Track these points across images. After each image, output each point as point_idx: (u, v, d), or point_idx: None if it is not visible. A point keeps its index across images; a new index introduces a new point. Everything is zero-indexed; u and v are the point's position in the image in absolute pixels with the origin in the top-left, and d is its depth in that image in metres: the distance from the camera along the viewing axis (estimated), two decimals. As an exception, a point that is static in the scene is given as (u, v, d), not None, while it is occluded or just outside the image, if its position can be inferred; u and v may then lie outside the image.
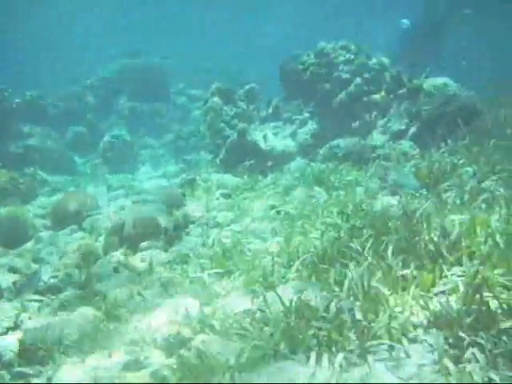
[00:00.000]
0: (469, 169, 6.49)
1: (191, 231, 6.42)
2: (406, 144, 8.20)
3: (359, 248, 4.17)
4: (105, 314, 4.12)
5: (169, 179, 11.14)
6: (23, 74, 25.15)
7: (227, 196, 7.76)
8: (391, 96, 9.26)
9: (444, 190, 5.77)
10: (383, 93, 9.45)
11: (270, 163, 9.32)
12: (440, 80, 8.28)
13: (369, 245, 4.21)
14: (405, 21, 17.28)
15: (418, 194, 6.11)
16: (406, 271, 3.68)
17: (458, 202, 5.34)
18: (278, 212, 6.46)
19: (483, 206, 5.00)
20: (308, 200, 6.85)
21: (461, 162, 6.74)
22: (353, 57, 10.71)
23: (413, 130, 8.26)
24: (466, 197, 5.30)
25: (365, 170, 7.89)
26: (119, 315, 4.11)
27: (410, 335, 3.16)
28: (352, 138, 9.01)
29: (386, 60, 10.82)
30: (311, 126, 10.20)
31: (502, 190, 5.38)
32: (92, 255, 5.58)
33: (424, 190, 6.18)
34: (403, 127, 8.51)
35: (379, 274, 3.73)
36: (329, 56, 10.71)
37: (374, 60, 10.64)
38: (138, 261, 5.41)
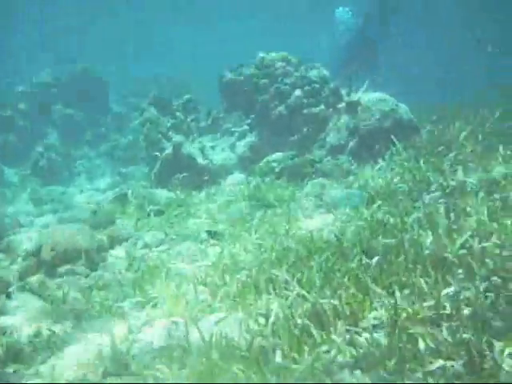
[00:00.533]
0: (403, 185, 6.42)
1: (117, 253, 6.02)
2: (344, 159, 8.09)
3: (287, 277, 3.92)
4: (5, 353, 3.69)
5: (103, 193, 10.62)
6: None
7: (160, 213, 7.40)
8: (330, 110, 9.18)
9: (377, 209, 5.63)
10: (322, 106, 9.35)
11: (206, 177, 9.02)
12: (377, 95, 8.24)
13: (298, 275, 3.97)
14: (343, 10, 17.15)
15: (353, 213, 5.98)
16: (334, 303, 3.46)
17: (391, 221, 5.20)
18: (209, 232, 6.17)
19: (415, 226, 4.88)
20: (242, 218, 6.59)
21: (395, 179, 6.67)
22: (293, 69, 10.60)
23: (351, 145, 8.17)
24: (399, 218, 5.16)
25: (302, 186, 7.74)
26: (22, 355, 3.69)
27: (336, 377, 2.93)
28: (290, 152, 8.85)
29: (326, 72, 10.77)
30: (250, 138, 9.99)
31: (434, 209, 5.29)
32: (2, 282, 5.09)
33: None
34: (342, 142, 8.41)
35: (306, 307, 3.50)
36: (269, 67, 10.55)
37: (314, 72, 10.55)
38: (53, 287, 4.97)
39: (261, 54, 10.69)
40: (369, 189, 6.69)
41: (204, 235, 6.21)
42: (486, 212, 4.58)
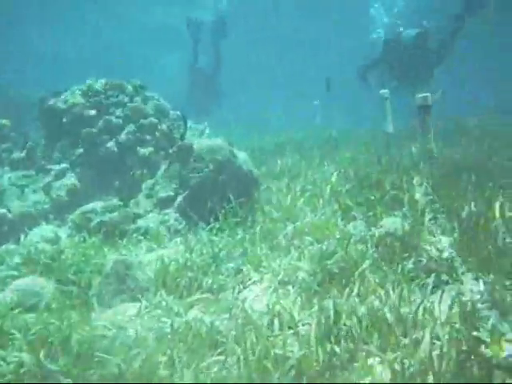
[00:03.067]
0: (231, 266, 5.32)
1: None
2: (171, 216, 6.86)
3: None
4: None
5: None
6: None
7: None
8: (162, 153, 7.92)
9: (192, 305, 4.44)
10: (151, 148, 8.07)
11: (5, 228, 7.26)
12: (214, 142, 7.15)
13: None
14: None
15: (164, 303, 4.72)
16: None
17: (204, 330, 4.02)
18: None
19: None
20: (27, 303, 5.03)
21: (222, 252, 5.56)
22: (128, 98, 9.22)
23: (180, 198, 6.96)
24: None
25: (118, 249, 6.36)
26: None
27: None
28: (113, 201, 7.42)
29: (166, 104, 9.57)
30: (69, 179, 8.33)
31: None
32: None
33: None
34: (171, 194, 7.17)
35: None
36: (98, 95, 9.04)
37: (152, 103, 9.27)
38: None
39: (89, 81, 9.16)
40: (190, 262, 5.52)
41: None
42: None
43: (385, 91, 8.17)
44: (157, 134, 8.22)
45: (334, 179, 6.73)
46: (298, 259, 4.95)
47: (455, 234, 4.67)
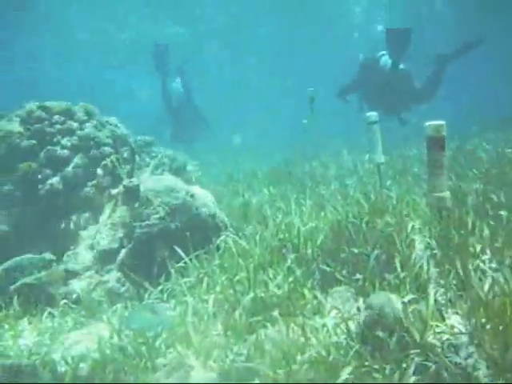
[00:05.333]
0: (170, 355, 3.95)
1: None
2: (113, 275, 5.49)
3: None
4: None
5: None
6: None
7: None
8: (106, 193, 6.55)
9: None
10: (94, 189, 6.70)
11: None
12: (166, 180, 5.82)
13: None
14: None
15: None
16: None
17: None
18: None
19: None
20: None
21: (164, 332, 4.18)
22: (77, 125, 7.88)
23: (123, 253, 5.60)
24: None
25: (36, 326, 4.98)
26: None
27: None
28: (44, 254, 6.07)
29: (124, 131, 8.29)
30: None
31: None
32: None
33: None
34: (116, 245, 5.81)
35: None
36: (41, 122, 7.71)
37: (107, 131, 7.96)
38: None
39: (30, 105, 7.82)
40: (118, 351, 4.14)
41: None
42: None
43: (372, 114, 6.63)
44: (98, 170, 6.83)
45: (303, 226, 5.32)
46: (255, 352, 3.58)
47: (474, 320, 3.30)
